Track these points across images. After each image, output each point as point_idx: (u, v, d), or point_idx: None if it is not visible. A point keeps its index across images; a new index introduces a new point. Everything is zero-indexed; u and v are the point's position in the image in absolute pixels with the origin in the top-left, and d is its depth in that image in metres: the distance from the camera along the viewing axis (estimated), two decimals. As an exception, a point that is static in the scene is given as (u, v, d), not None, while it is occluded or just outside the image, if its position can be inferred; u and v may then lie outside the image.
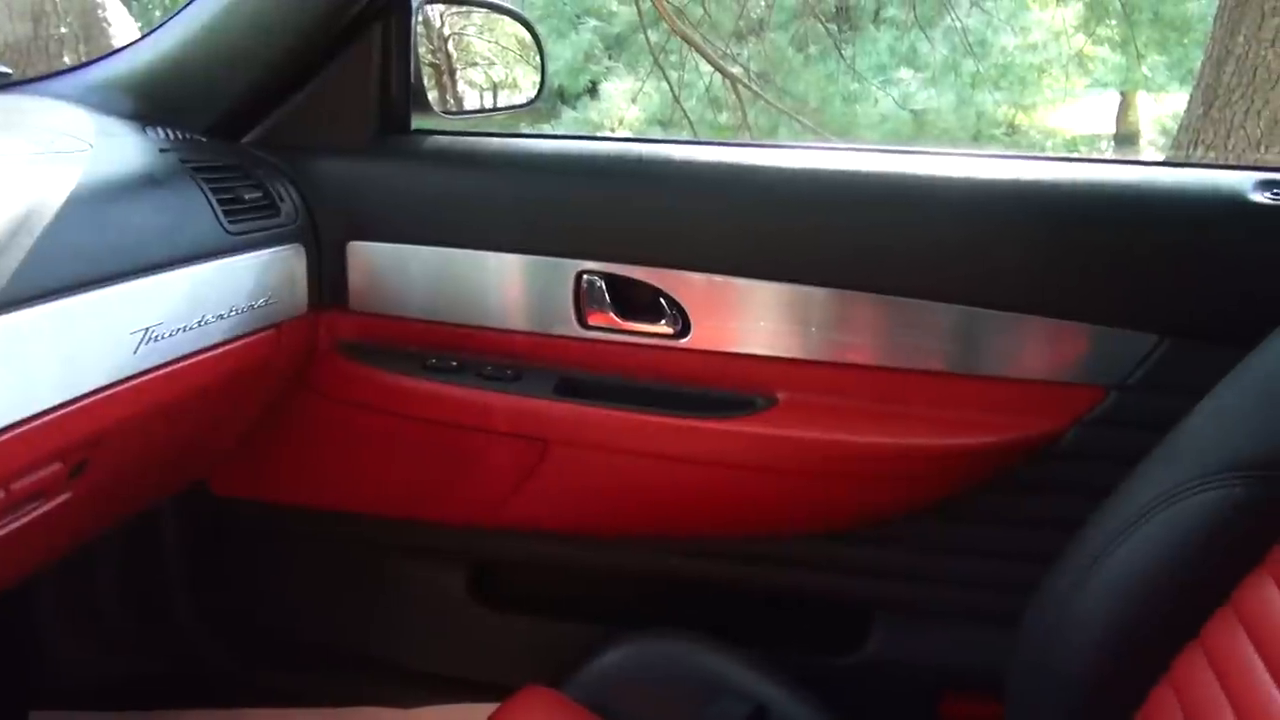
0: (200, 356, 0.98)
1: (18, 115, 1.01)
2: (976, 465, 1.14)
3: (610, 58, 6.66)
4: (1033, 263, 1.09)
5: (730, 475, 1.15)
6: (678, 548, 1.24)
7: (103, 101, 1.09)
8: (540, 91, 1.43)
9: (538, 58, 1.48)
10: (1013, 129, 7.51)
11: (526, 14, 1.50)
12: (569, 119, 6.63)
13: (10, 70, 1.16)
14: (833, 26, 6.70)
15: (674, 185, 1.15)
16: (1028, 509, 1.17)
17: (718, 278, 1.11)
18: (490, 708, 0.96)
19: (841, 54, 6.41)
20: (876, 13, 7.17)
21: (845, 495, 1.18)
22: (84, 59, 3.49)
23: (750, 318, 1.13)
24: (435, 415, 1.16)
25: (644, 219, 1.14)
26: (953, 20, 6.35)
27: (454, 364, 1.16)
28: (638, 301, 1.14)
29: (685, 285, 1.12)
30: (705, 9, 5.72)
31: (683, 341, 1.13)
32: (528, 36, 1.58)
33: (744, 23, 6.40)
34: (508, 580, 1.33)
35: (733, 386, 1.13)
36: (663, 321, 1.13)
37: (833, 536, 1.22)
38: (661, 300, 1.13)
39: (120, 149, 0.99)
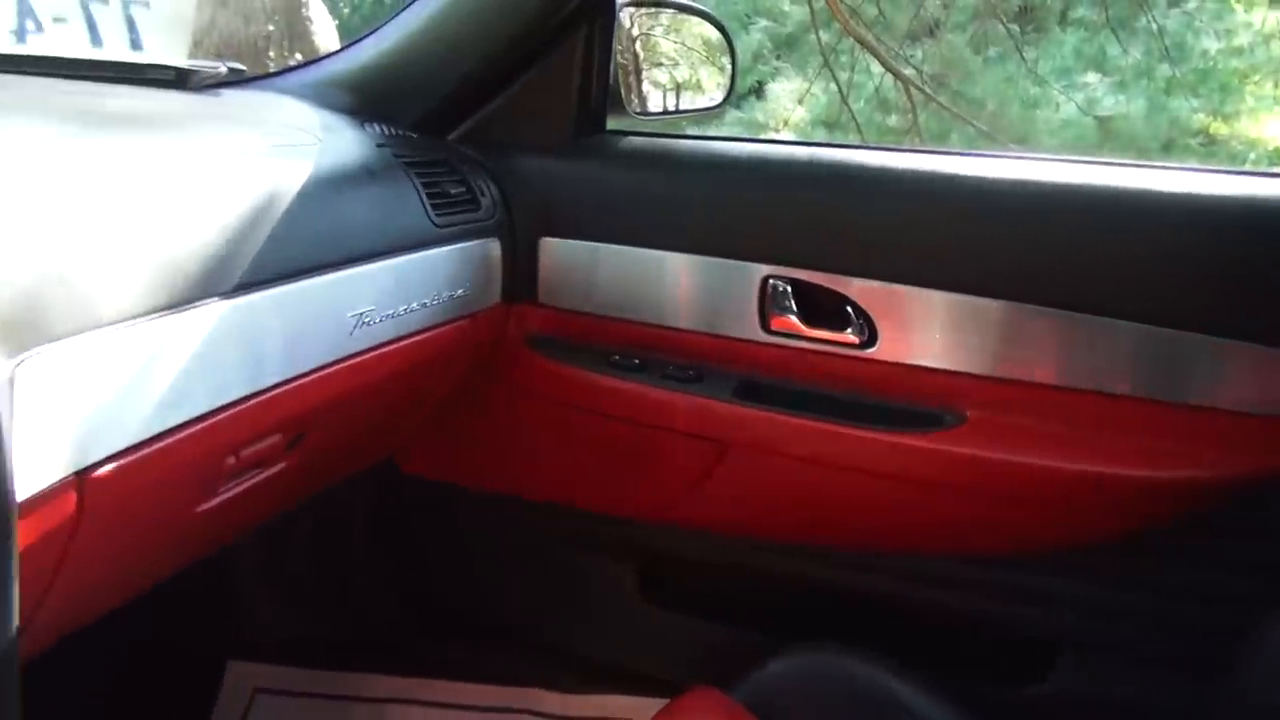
0: (403, 342, 1.04)
1: (252, 110, 1.09)
2: (1176, 500, 1.06)
3: (778, 58, 6.60)
4: (1248, 285, 1.01)
5: (912, 491, 1.11)
6: (849, 560, 1.22)
7: (324, 97, 1.16)
8: (729, 93, 1.43)
9: (727, 60, 1.48)
10: (1209, 139, 6.99)
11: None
12: (733, 119, 6.61)
13: (244, 67, 1.25)
14: (1015, 27, 6.41)
15: (868, 192, 1.13)
16: (1231, 550, 1.09)
17: (909, 288, 1.09)
18: (651, 702, 0.97)
19: (1023, 56, 6.12)
20: (1063, 13, 6.81)
21: (1031, 521, 1.13)
22: (287, 55, 3.74)
23: (940, 330, 1.09)
24: (616, 411, 1.18)
25: (835, 225, 1.12)
26: (1149, 21, 5.96)
27: (636, 361, 1.17)
28: (823, 308, 1.12)
29: (874, 294, 1.10)
30: (880, 9, 5.59)
31: (869, 351, 1.10)
32: (715, 37, 1.58)
33: (919, 23, 6.22)
34: (677, 579, 1.34)
35: (919, 400, 1.10)
36: (848, 330, 1.11)
37: (1015, 563, 1.17)
38: (848, 308, 1.11)
39: (343, 143, 1.05)
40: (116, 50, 1.13)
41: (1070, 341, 1.07)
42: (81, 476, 0.69)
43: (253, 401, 0.85)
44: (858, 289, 1.10)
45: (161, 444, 0.76)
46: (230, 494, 0.92)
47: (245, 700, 1.28)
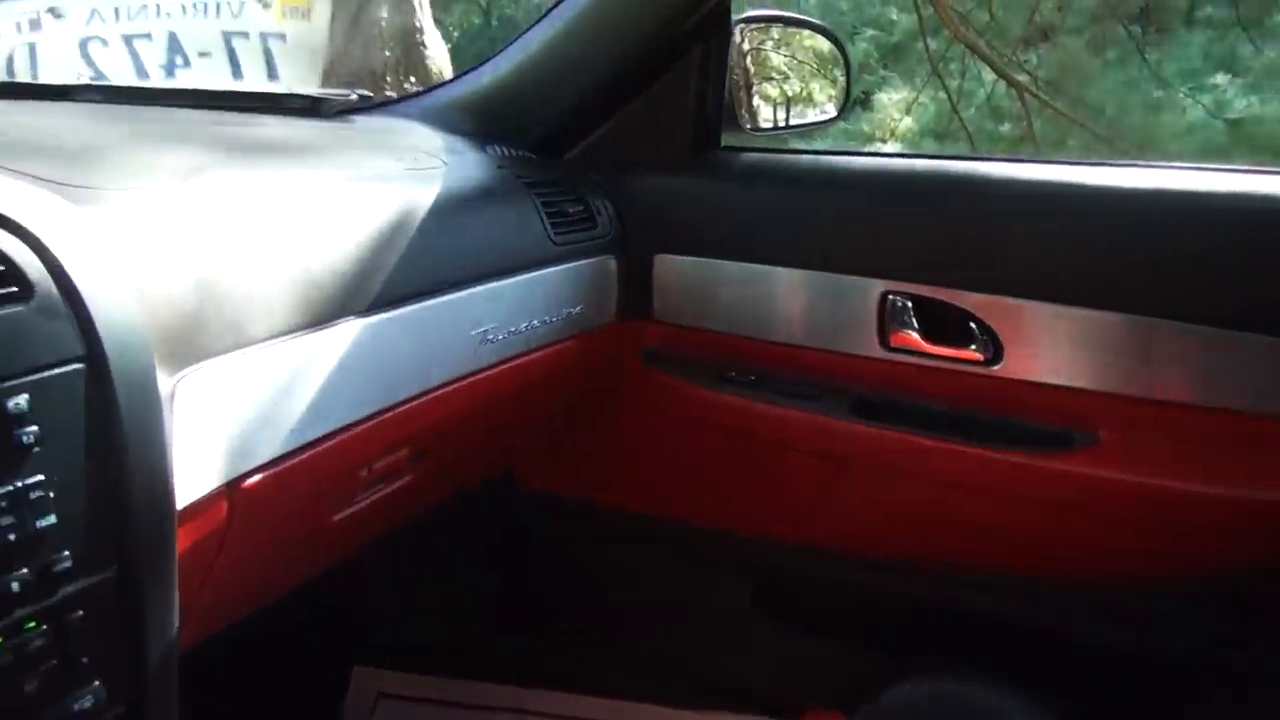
0: (522, 358, 1.06)
1: (382, 136, 1.14)
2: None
3: (885, 67, 6.51)
4: None
5: (1040, 513, 1.08)
6: (972, 582, 1.18)
7: (446, 121, 1.20)
8: (845, 107, 1.41)
9: (840, 72, 1.47)
10: (1353, 139, 6.55)
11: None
12: (838, 131, 6.53)
13: (371, 94, 1.31)
14: (1136, 28, 6.16)
15: (992, 205, 1.10)
16: None
17: (1036, 303, 1.05)
18: None
19: (1145, 58, 5.87)
20: (1189, 12, 6.51)
21: (1168, 547, 1.08)
22: (403, 80, 3.87)
23: (1069, 346, 1.05)
24: (732, 427, 1.18)
25: (958, 240, 1.09)
26: (1284, 18, 5.64)
27: (752, 378, 1.17)
28: (945, 324, 1.09)
29: (999, 310, 1.06)
30: (992, 14, 5.44)
31: (994, 369, 1.07)
32: (826, 49, 1.57)
33: (1033, 27, 6.03)
34: (793, 597, 1.32)
35: (1047, 419, 1.07)
36: (972, 346, 1.08)
37: (1148, 590, 1.12)
38: (971, 324, 1.08)
39: (467, 166, 1.08)
40: (256, 81, 1.21)
41: (1208, 358, 1.01)
42: (232, 486, 0.73)
43: (385, 416, 0.88)
44: (982, 304, 1.07)
45: (304, 456, 0.80)
46: (362, 504, 0.96)
47: (370, 704, 1.32)
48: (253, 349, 0.74)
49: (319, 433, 0.81)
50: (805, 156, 1.23)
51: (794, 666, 1.30)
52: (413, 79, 3.63)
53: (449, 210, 0.98)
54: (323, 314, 0.81)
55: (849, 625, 1.29)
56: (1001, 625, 1.21)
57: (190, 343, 0.69)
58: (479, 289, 0.99)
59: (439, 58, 3.88)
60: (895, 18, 6.54)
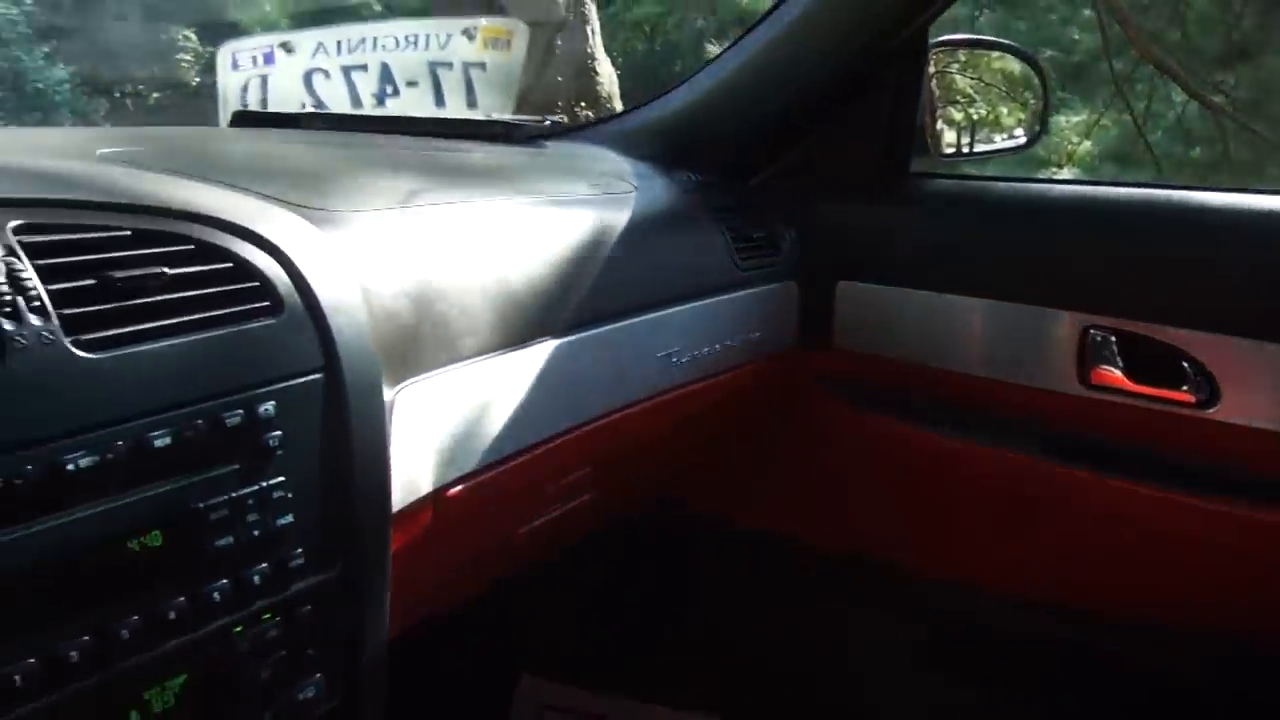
0: (704, 381, 1.06)
1: (574, 161, 1.17)
2: None
3: (1063, 89, 6.22)
4: None
5: (1257, 570, 0.99)
6: (1178, 643, 1.10)
7: (634, 146, 1.22)
8: (1040, 131, 1.36)
9: (1035, 98, 1.41)
10: None
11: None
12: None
13: (563, 120, 1.35)
14: (1350, 45, 5.65)
15: (1209, 236, 1.03)
16: None
17: (1259, 342, 0.97)
18: None
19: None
20: None
21: None
22: (574, 105, 3.99)
23: None
24: (913, 461, 1.15)
25: (1169, 271, 1.03)
26: None
27: (936, 410, 1.13)
28: (1153, 362, 1.03)
29: (1216, 348, 0.99)
30: (1185, 33, 5.13)
31: (1209, 412, 1.00)
32: (1017, 72, 1.52)
33: (1231, 46, 5.63)
34: (969, 646, 1.27)
35: (1271, 469, 0.98)
36: (1184, 387, 1.01)
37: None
38: (1184, 363, 1.01)
39: (656, 190, 1.10)
40: (456, 108, 1.28)
41: None
42: (438, 495, 0.77)
43: (574, 434, 0.91)
44: (1196, 342, 1.00)
45: (501, 469, 0.82)
46: (546, 518, 0.99)
47: (535, 715, 1.36)
48: (462, 366, 0.78)
49: (515, 447, 0.84)
50: (1001, 183, 1.18)
51: (962, 716, 1.24)
52: (583, 104, 3.73)
53: (639, 234, 1.00)
54: (523, 334, 0.84)
55: (1027, 676, 1.22)
56: (1209, 692, 1.12)
57: (408, 358, 0.73)
58: (666, 312, 1.00)
59: (609, 84, 3.98)
60: (1077, 37, 6.25)
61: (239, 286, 0.61)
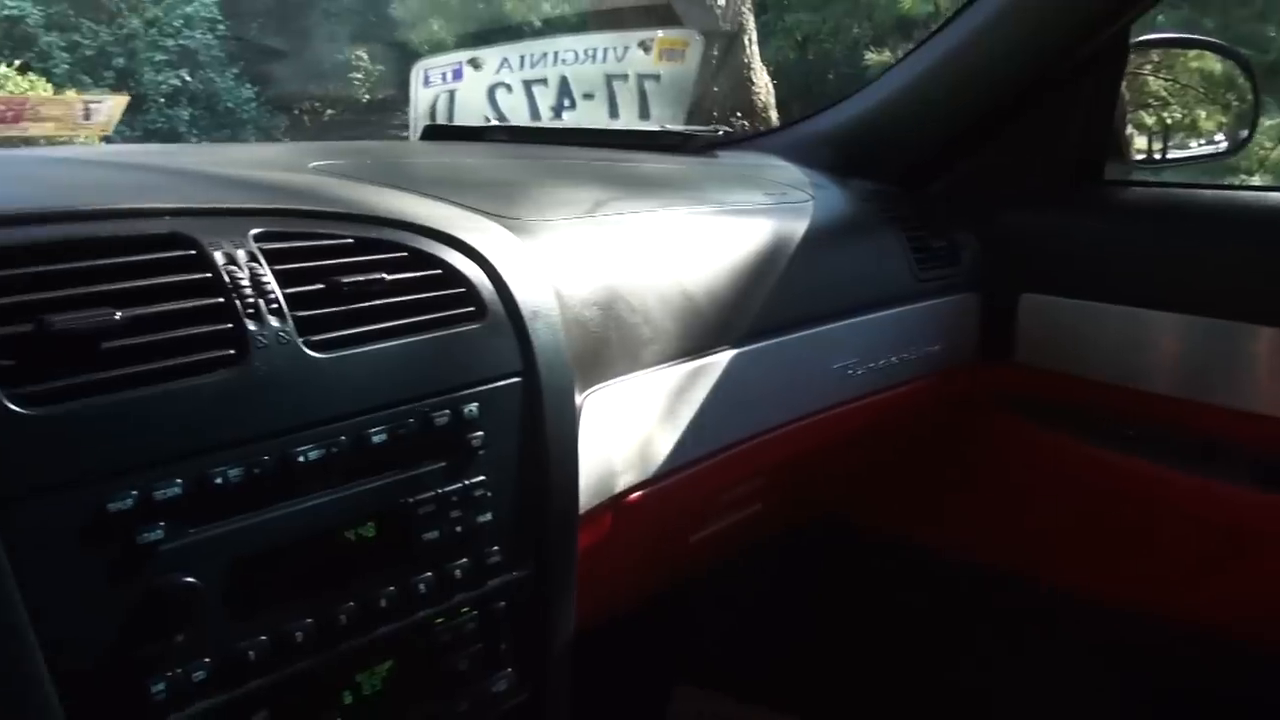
0: (878, 395, 1.04)
1: (748, 170, 1.17)
2: None
3: (1257, 90, 5.76)
4: None
5: None
6: None
7: (808, 155, 1.21)
8: (1247, 138, 1.26)
9: (1240, 101, 1.32)
10: None
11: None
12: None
13: (733, 130, 1.35)
14: None
15: None
16: None
17: None
18: None
19: None
20: None
21: None
22: (729, 113, 3.99)
23: None
24: (1104, 485, 1.08)
25: None
26: None
27: (1130, 432, 1.07)
28: None
29: None
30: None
31: None
32: (1219, 72, 1.42)
33: None
34: (1165, 684, 1.18)
35: None
36: None
37: None
38: None
39: (833, 199, 1.09)
40: (629, 119, 1.30)
41: None
42: (618, 500, 0.78)
43: (748, 444, 0.90)
44: None
45: (677, 477, 0.83)
46: (715, 528, 0.99)
47: (693, 724, 1.36)
48: (644, 373, 0.79)
49: (691, 455, 0.84)
50: (1205, 191, 1.11)
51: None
52: (740, 115, 3.73)
53: (816, 243, 0.99)
54: (701, 343, 0.85)
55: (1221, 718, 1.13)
56: None
57: (596, 365, 0.74)
58: (843, 323, 0.99)
59: (765, 94, 3.96)
60: (1273, 34, 5.78)
61: (447, 292, 0.64)
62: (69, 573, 0.47)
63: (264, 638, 0.54)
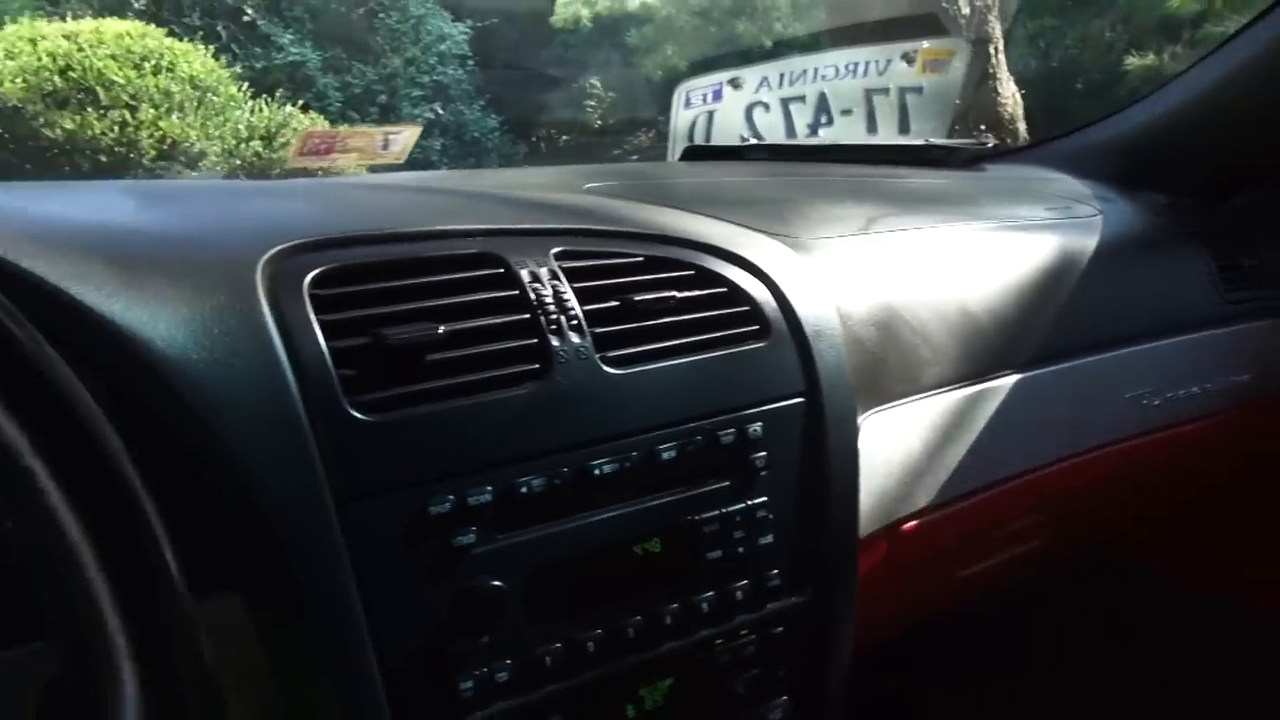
0: (1176, 428, 0.94)
1: (1022, 183, 1.10)
2: None
3: None
4: None
5: None
6: None
7: (1089, 166, 1.12)
8: None
9: None
10: None
11: None
12: None
13: (997, 141, 1.28)
14: None
15: None
16: None
17: None
18: None
19: None
20: None
21: None
22: (972, 126, 3.81)
23: None
24: None
25: None
26: None
27: None
28: None
29: None
30: None
31: None
32: None
33: None
34: None
35: None
36: None
37: None
38: None
39: (1122, 213, 1.00)
40: (887, 135, 1.26)
41: None
42: (893, 528, 0.74)
43: (1028, 477, 0.84)
44: None
45: (953, 508, 0.78)
46: (988, 563, 0.92)
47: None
48: (923, 398, 0.75)
49: (970, 485, 0.79)
50: None
51: None
52: (984, 127, 3.55)
53: (1106, 261, 0.91)
54: (982, 367, 0.80)
55: None
56: None
57: (874, 387, 0.71)
58: (1137, 348, 0.90)
59: (1012, 105, 3.75)
60: None
61: (732, 310, 0.63)
62: (393, 570, 0.50)
63: (558, 645, 0.55)
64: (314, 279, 0.52)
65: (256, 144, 5.58)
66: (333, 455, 0.48)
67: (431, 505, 0.51)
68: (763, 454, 0.62)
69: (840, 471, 0.65)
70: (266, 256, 0.52)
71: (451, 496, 0.51)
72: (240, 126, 5.63)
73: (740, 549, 0.61)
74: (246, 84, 5.91)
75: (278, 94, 6.08)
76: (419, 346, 0.52)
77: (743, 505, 0.61)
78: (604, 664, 0.57)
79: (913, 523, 0.76)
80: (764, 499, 0.62)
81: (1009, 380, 0.81)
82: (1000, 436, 0.80)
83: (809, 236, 0.77)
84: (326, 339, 0.50)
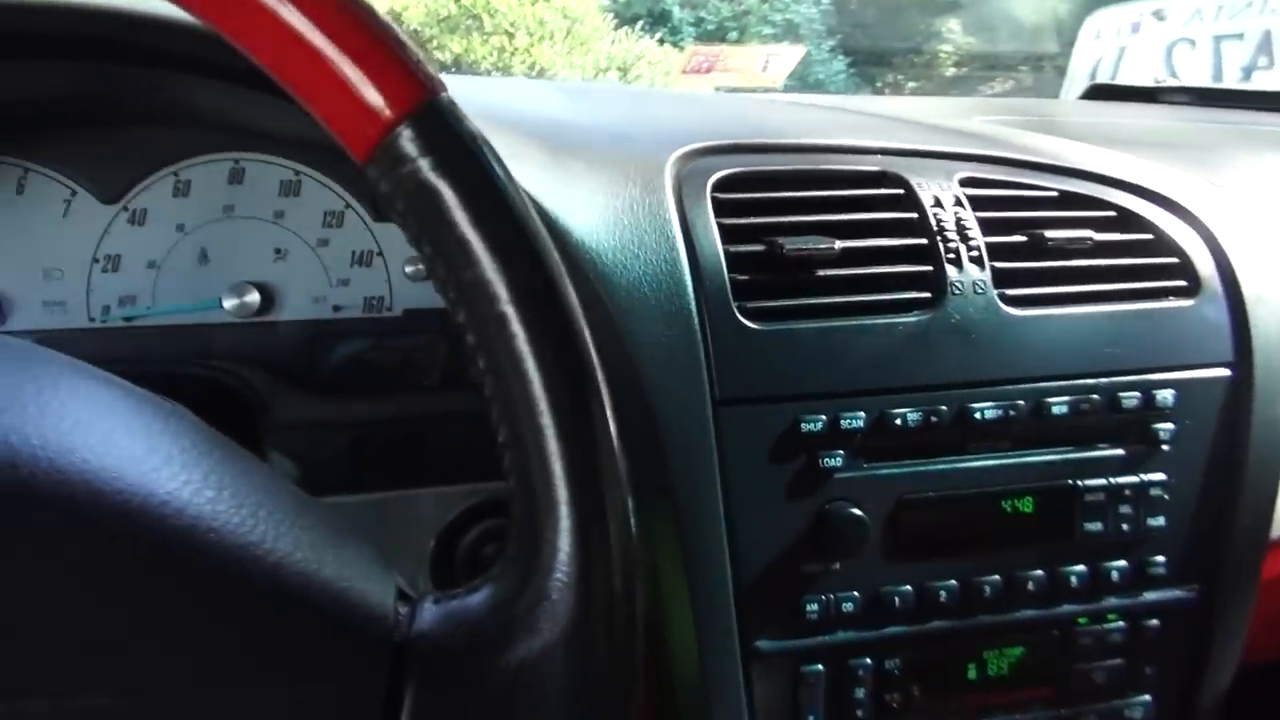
0: None
1: None
2: None
3: None
4: None
5: None
6: None
7: None
8: None
9: None
10: None
11: None
12: None
13: None
14: None
15: None
16: None
17: None
18: None
19: None
20: None
21: None
22: None
23: None
24: None
25: None
26: None
27: None
28: None
29: None
30: None
31: None
32: None
33: None
34: None
35: None
36: None
37: None
38: None
39: None
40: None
41: None
42: None
43: None
44: None
45: None
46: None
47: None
48: None
49: None
50: None
51: None
52: None
53: None
54: None
55: None
56: None
57: None
58: None
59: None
60: None
61: (1157, 261, 0.56)
62: (758, 481, 0.50)
63: (908, 588, 0.53)
64: (716, 182, 0.52)
65: (614, 74, 5.86)
66: (718, 357, 0.49)
67: (804, 422, 0.50)
68: (1170, 425, 0.55)
69: (1261, 459, 0.56)
70: (675, 155, 0.53)
71: (824, 417, 0.50)
72: (600, 57, 5.93)
73: (1125, 525, 0.55)
74: (611, 15, 6.20)
75: (637, 26, 6.33)
76: (812, 260, 0.51)
77: (1136, 479, 0.55)
78: (953, 617, 0.54)
79: None
80: (1161, 475, 0.55)
81: None
82: None
83: (1254, 190, 0.66)
84: (723, 242, 0.50)
